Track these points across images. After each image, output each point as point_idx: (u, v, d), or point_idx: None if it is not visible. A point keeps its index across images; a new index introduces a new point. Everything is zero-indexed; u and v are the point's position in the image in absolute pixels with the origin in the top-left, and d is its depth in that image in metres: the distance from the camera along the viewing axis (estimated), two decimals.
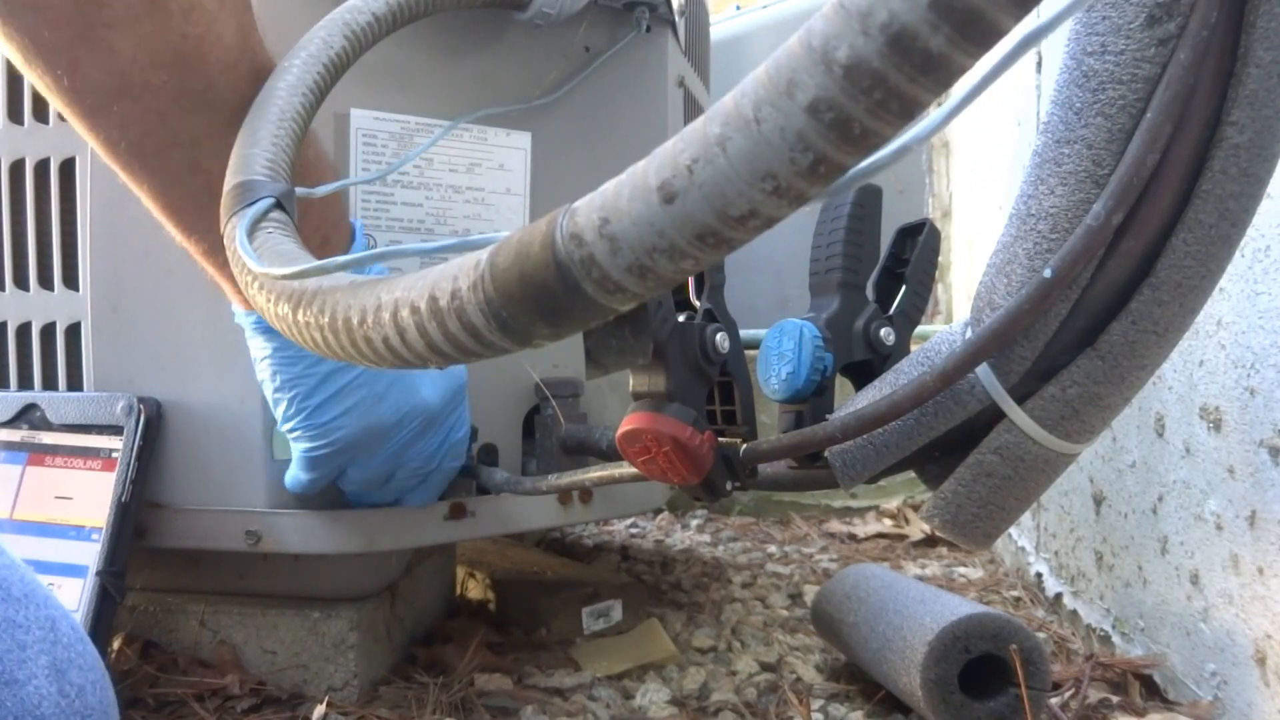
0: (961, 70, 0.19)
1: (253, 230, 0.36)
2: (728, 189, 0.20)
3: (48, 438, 0.65)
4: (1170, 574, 0.66)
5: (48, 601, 0.30)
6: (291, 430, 0.56)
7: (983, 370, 0.40)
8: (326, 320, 0.29)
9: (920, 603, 0.65)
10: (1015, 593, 0.99)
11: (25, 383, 0.69)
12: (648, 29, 0.75)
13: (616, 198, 0.22)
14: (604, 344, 0.32)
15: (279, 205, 0.39)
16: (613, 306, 0.24)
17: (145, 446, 0.63)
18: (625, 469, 0.50)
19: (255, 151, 0.42)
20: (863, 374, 0.51)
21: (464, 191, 0.68)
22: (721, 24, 2.00)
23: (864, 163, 0.21)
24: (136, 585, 0.71)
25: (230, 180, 0.41)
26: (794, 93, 0.19)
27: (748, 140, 0.20)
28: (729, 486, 0.48)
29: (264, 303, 0.33)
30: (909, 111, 0.19)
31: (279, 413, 0.56)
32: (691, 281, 0.49)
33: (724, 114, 0.21)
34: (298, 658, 0.69)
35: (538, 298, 0.24)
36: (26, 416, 0.66)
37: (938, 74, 0.19)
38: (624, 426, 0.45)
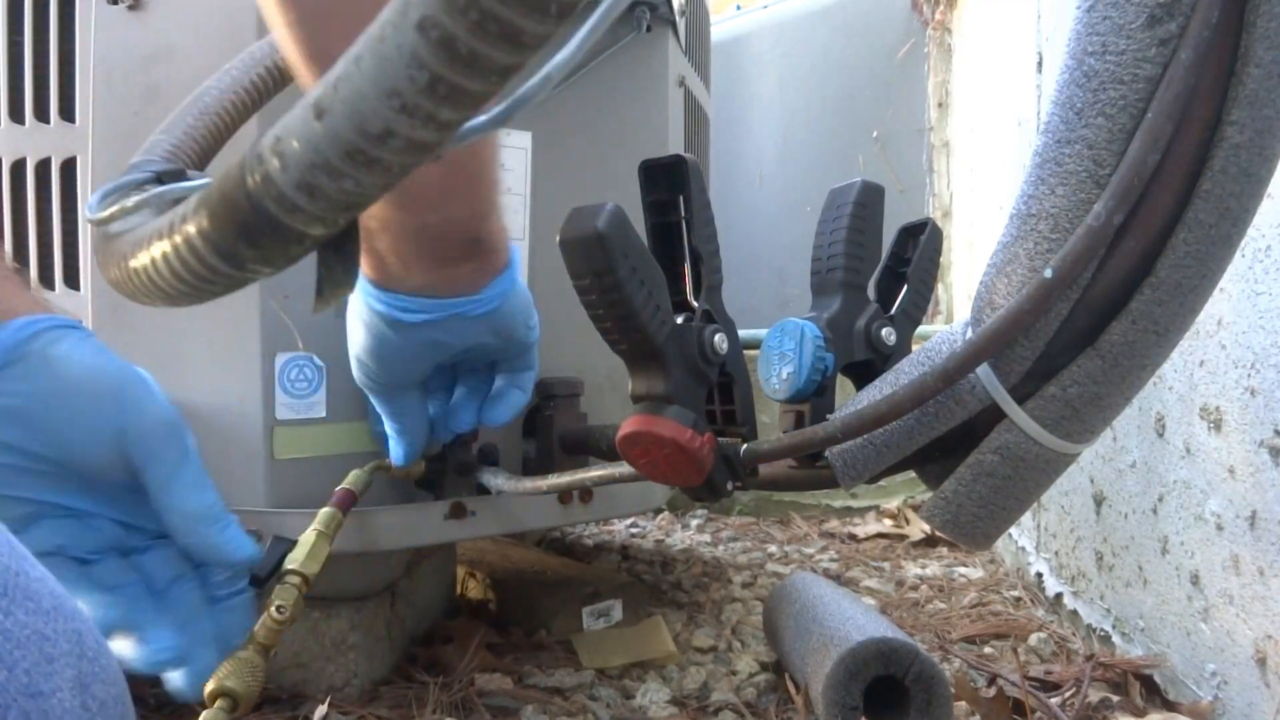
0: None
1: (107, 196, 0.37)
2: (362, 105, 0.21)
3: None
4: (1170, 574, 0.66)
5: (75, 614, 0.30)
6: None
7: (983, 370, 0.40)
8: (114, 258, 0.31)
9: (818, 632, 0.63)
10: (1015, 593, 0.99)
11: None
12: (648, 29, 0.75)
13: (291, 116, 0.23)
14: (321, 274, 0.33)
15: (158, 180, 0.39)
16: (297, 227, 0.24)
17: None
18: (625, 469, 0.50)
19: (162, 139, 0.43)
20: (864, 374, 0.51)
21: None
22: (721, 24, 2.01)
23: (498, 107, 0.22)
24: None
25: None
26: (408, 11, 0.20)
27: (374, 57, 0.21)
28: (730, 486, 0.48)
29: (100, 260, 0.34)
30: (509, 35, 0.20)
31: None
32: (689, 282, 0.49)
33: (365, 34, 0.21)
34: (298, 658, 0.69)
35: (232, 216, 0.25)
36: None
37: (528, 2, 0.19)
38: (624, 429, 0.45)
